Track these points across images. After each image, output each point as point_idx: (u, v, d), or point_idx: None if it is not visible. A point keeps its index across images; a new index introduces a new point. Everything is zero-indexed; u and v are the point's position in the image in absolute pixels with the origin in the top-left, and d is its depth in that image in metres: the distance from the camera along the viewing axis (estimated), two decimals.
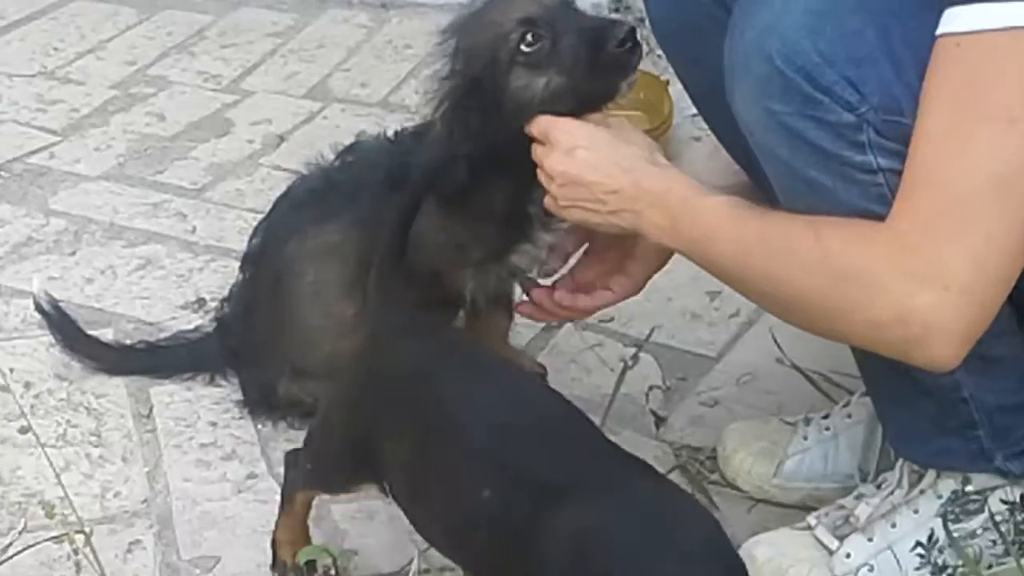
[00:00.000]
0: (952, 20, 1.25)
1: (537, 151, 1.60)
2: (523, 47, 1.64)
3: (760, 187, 1.50)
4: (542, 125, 1.60)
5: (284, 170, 2.64)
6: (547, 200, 1.62)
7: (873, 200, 1.33)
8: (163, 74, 3.13)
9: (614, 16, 3.07)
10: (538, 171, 1.61)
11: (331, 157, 1.98)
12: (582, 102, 1.63)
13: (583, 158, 1.56)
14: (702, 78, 1.58)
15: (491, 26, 1.68)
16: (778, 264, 1.39)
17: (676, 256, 1.62)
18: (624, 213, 1.54)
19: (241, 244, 2.41)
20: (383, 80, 3.04)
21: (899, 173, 1.31)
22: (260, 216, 2.36)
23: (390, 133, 1.96)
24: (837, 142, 1.35)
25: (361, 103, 2.96)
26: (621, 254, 1.73)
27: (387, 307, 1.66)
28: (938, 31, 1.26)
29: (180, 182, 2.69)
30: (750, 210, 1.44)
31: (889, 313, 1.29)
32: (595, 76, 1.63)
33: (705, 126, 1.81)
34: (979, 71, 1.24)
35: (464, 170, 1.69)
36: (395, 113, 2.87)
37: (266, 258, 2.00)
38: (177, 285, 2.38)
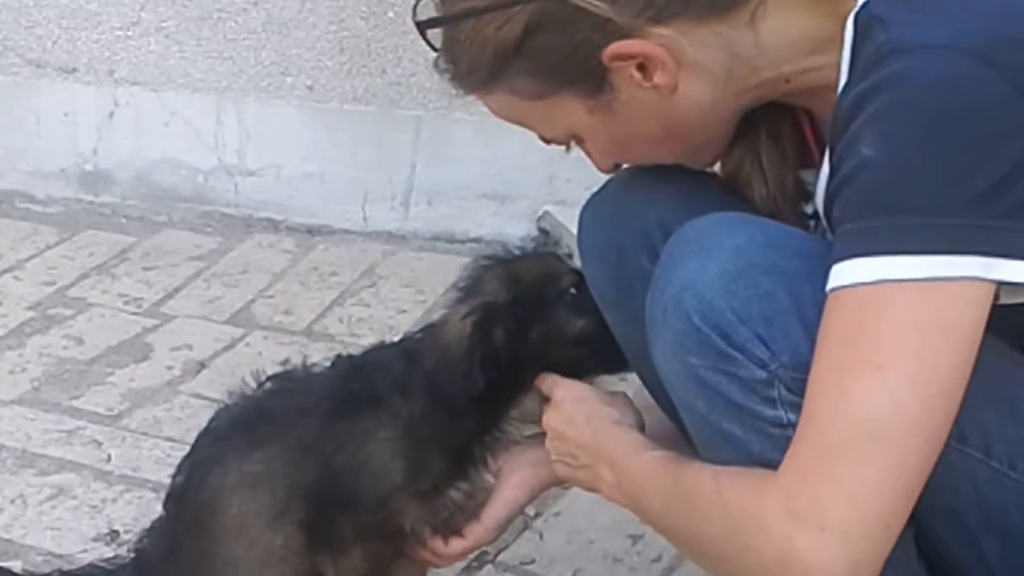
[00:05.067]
0: (834, 275, 1.32)
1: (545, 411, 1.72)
2: (573, 290, 1.78)
3: (685, 436, 1.54)
4: (548, 383, 1.74)
5: (204, 398, 2.64)
6: None
7: (782, 452, 1.35)
8: (83, 296, 3.13)
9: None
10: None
11: (252, 386, 1.97)
12: (596, 354, 1.77)
13: (566, 412, 1.68)
14: (634, 335, 1.63)
15: (543, 265, 1.83)
16: (686, 512, 1.43)
17: (596, 497, 1.64)
18: (587, 469, 1.62)
19: (157, 474, 2.40)
20: (307, 307, 3.06)
21: None
22: (177, 445, 2.34)
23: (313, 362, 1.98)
24: (749, 396, 1.38)
25: (284, 330, 2.96)
26: None
27: None
28: (827, 287, 1.32)
29: (96, 408, 2.66)
30: (676, 463, 1.48)
31: (773, 555, 1.32)
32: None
33: None
34: (852, 322, 1.30)
35: (480, 382, 1.73)
36: (319, 342, 2.88)
37: (189, 494, 1.97)
38: (90, 516, 2.35)
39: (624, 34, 1.43)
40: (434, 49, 1.55)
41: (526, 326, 1.76)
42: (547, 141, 1.62)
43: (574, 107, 1.52)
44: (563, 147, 1.64)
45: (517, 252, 1.86)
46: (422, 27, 1.53)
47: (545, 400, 1.75)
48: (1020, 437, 1.41)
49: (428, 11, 1.53)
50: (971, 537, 1.44)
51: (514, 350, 1.75)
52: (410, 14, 2.98)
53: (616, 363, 1.80)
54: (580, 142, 1.60)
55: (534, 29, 1.45)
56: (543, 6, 1.43)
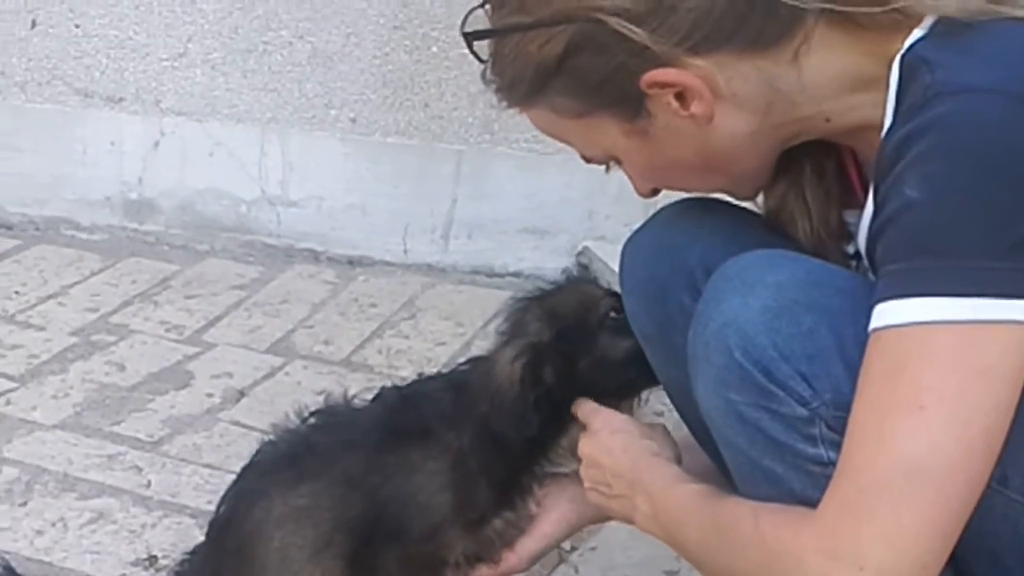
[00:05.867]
0: (877, 316, 1.32)
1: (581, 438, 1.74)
2: (612, 313, 1.80)
3: (724, 472, 1.54)
4: (586, 409, 1.75)
5: (243, 426, 2.66)
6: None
7: (822, 491, 1.35)
8: (125, 323, 3.16)
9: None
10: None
11: (295, 420, 1.97)
12: (644, 372, 1.78)
13: (603, 441, 1.70)
14: (675, 372, 1.64)
15: (579, 294, 1.84)
16: (723, 547, 1.43)
17: (632, 532, 1.65)
18: (622, 499, 1.63)
19: (196, 500, 2.42)
20: (347, 338, 3.08)
21: None
22: (216, 472, 2.35)
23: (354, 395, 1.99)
24: (790, 434, 1.39)
25: (324, 360, 2.98)
26: None
27: None
28: (869, 326, 1.33)
29: (137, 434, 2.68)
30: (715, 497, 1.48)
31: None
32: None
33: (668, 401, 1.86)
34: (894, 362, 1.30)
35: (535, 423, 1.75)
36: (357, 372, 2.90)
37: (233, 525, 1.98)
38: (129, 541, 2.36)
39: (661, 63, 1.45)
40: (480, 60, 1.57)
41: (573, 359, 1.77)
42: (587, 160, 1.63)
43: (611, 129, 1.54)
44: (603, 170, 1.65)
45: (551, 287, 1.88)
46: (469, 38, 1.56)
47: (581, 427, 1.76)
48: None
49: (477, 24, 1.55)
50: None
51: (565, 385, 1.76)
52: (452, 50, 3.05)
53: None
54: (619, 163, 1.62)
55: (574, 50, 1.47)
56: (585, 28, 1.45)
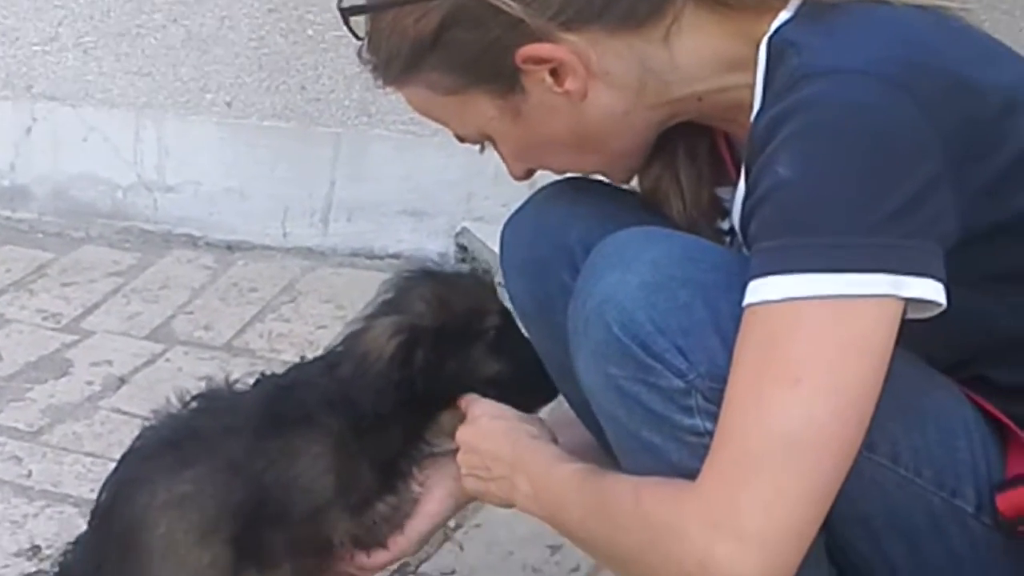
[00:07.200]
0: (751, 292, 1.35)
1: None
2: (493, 332, 1.80)
3: (606, 448, 1.57)
4: (466, 399, 1.77)
5: (124, 413, 2.64)
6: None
7: (700, 460, 1.38)
8: (1, 312, 3.11)
9: (461, 268, 3.19)
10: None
11: (176, 405, 1.97)
12: (506, 397, 1.78)
13: (483, 426, 1.71)
14: (556, 349, 1.67)
15: (473, 297, 1.83)
16: (606, 523, 1.46)
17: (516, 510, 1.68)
18: (502, 481, 1.65)
19: (78, 489, 2.40)
20: (227, 323, 3.06)
21: None
22: (98, 460, 2.33)
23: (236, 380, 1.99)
24: (668, 406, 1.42)
25: (204, 346, 2.97)
26: None
27: None
28: (744, 302, 1.36)
29: (16, 424, 2.65)
30: (596, 475, 1.50)
31: (692, 563, 1.35)
32: (531, 389, 1.83)
33: None
34: (768, 337, 1.34)
35: (391, 402, 1.75)
36: (239, 357, 2.89)
37: (116, 513, 1.96)
38: (11, 532, 2.33)
39: (536, 37, 1.47)
40: (357, 37, 1.58)
41: (445, 358, 1.78)
42: (461, 139, 1.65)
43: (486, 106, 1.55)
44: (477, 148, 1.66)
45: (449, 273, 1.89)
46: (346, 14, 1.57)
47: (462, 417, 1.78)
48: (926, 445, 1.47)
49: (354, 0, 1.56)
50: (879, 542, 1.50)
51: (429, 376, 1.77)
52: (328, 32, 3.04)
53: (522, 408, 1.82)
54: (493, 143, 1.63)
55: (450, 24, 1.49)
56: (460, 2, 1.47)
